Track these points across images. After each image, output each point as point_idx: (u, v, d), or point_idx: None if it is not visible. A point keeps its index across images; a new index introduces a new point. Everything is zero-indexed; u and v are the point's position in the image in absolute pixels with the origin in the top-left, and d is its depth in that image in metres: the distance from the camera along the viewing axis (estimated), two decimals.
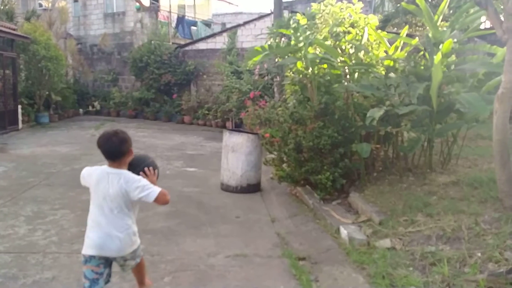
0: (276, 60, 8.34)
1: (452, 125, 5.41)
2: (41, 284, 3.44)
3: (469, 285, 3.08)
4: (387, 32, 6.90)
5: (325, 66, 6.15)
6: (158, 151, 9.47)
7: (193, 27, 20.39)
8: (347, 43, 6.05)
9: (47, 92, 14.39)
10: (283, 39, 9.22)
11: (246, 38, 14.88)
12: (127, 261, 2.83)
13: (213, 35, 16.55)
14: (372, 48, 6.16)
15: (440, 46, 5.12)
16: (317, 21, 6.64)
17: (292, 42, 5.99)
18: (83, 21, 20.08)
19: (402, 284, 3.27)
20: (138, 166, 2.76)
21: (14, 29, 13.06)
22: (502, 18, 4.08)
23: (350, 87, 5.68)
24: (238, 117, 12.71)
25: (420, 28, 12.96)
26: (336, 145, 5.65)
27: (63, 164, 8.07)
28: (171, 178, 7.10)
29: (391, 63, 5.80)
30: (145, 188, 2.61)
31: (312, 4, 7.08)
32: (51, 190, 6.23)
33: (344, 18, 6.19)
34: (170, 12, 19.51)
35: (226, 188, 6.62)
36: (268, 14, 14.42)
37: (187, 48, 16.41)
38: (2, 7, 15.29)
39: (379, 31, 6.26)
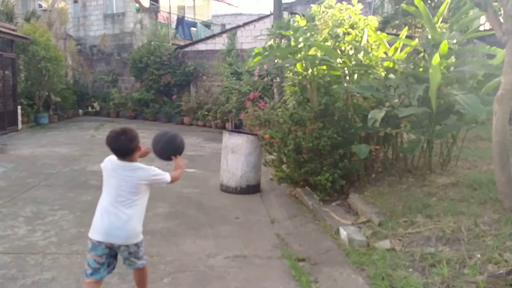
0: (276, 61, 8.35)
1: (452, 126, 5.41)
2: (40, 285, 3.43)
3: (469, 286, 3.08)
4: (387, 33, 6.90)
5: (324, 67, 6.16)
6: None
7: (192, 28, 20.41)
8: (346, 44, 6.06)
9: (46, 93, 14.38)
10: (283, 40, 9.23)
11: (246, 39, 14.88)
12: (131, 255, 2.88)
13: (212, 36, 16.55)
14: (371, 49, 6.17)
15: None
16: (317, 22, 6.65)
17: (292, 43, 6.00)
18: (82, 22, 20.09)
19: (402, 285, 3.27)
20: (159, 142, 3.03)
21: (13, 30, 13.05)
22: (502, 20, 4.09)
23: (349, 88, 5.68)
24: (237, 118, 12.71)
25: (419, 30, 12.97)
26: (335, 146, 5.65)
27: (63, 165, 8.06)
28: None
29: (391, 65, 5.81)
30: (157, 177, 2.90)
31: (312, 5, 7.09)
32: (50, 191, 6.22)
33: (344, 20, 6.20)
34: (169, 13, 19.53)
35: (225, 189, 6.62)
36: (268, 15, 14.44)
37: (186, 49, 16.41)
38: (1, 8, 15.27)
39: (378, 32, 6.27)
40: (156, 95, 16.06)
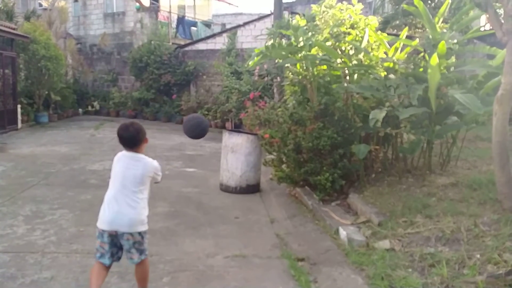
0: (276, 61, 8.35)
1: (451, 126, 5.41)
2: (39, 284, 3.43)
3: (468, 286, 3.08)
4: (387, 34, 6.89)
5: (324, 67, 6.16)
6: (158, 152, 9.45)
7: (193, 28, 20.40)
8: (347, 44, 6.06)
9: (46, 92, 14.38)
10: (283, 40, 9.22)
11: (246, 39, 14.88)
12: (135, 246, 2.98)
13: (213, 36, 16.54)
14: (372, 49, 6.17)
15: None
16: (318, 22, 6.65)
17: (293, 42, 5.99)
18: (83, 21, 20.08)
19: (401, 285, 3.27)
20: (188, 121, 3.69)
21: (14, 29, 13.05)
22: (502, 20, 4.08)
23: (349, 88, 5.68)
24: (237, 117, 12.71)
25: (420, 30, 12.96)
26: (335, 146, 5.65)
27: (62, 164, 8.06)
28: (171, 179, 7.09)
29: (391, 65, 5.80)
30: (159, 173, 3.18)
31: (312, 5, 7.08)
32: (50, 190, 6.22)
33: (344, 19, 6.19)
34: (170, 12, 19.52)
35: (225, 189, 6.62)
36: (268, 15, 14.44)
37: (187, 49, 16.40)
38: (2, 7, 15.26)
39: (379, 32, 6.27)
40: (156, 94, 16.06)
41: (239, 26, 15.66)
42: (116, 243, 3.01)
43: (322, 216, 5.12)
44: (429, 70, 4.84)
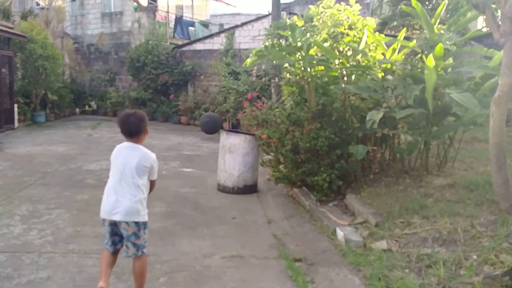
0: (274, 61, 8.35)
1: (449, 127, 5.43)
2: (35, 284, 3.42)
3: (465, 287, 3.09)
4: (385, 35, 6.91)
5: (322, 68, 6.16)
6: (155, 151, 9.26)
7: (190, 28, 20.36)
8: (345, 45, 6.06)
9: (43, 91, 14.32)
10: (281, 40, 9.22)
11: (244, 39, 14.87)
12: (131, 237, 3.02)
13: (210, 36, 16.51)
14: (369, 50, 6.18)
15: None
16: (316, 23, 6.65)
17: (291, 42, 5.99)
18: (80, 20, 20.00)
19: (398, 286, 3.27)
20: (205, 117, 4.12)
21: (11, 28, 12.99)
22: (500, 22, 4.09)
23: (347, 89, 5.68)
24: (235, 118, 12.69)
25: (417, 31, 12.99)
26: (333, 147, 5.65)
27: (59, 163, 8.04)
28: (168, 179, 7.08)
29: (389, 66, 5.82)
30: (155, 166, 3.20)
31: (310, 6, 7.09)
32: (46, 190, 6.20)
33: (342, 20, 6.20)
34: (168, 12, 19.48)
35: (222, 189, 6.61)
36: (266, 15, 14.42)
37: (184, 49, 16.38)
38: None
39: (376, 33, 6.28)
40: (154, 94, 16.03)
41: (237, 26, 15.65)
42: (116, 232, 3.08)
43: (319, 216, 5.13)
44: (425, 71, 4.85)
